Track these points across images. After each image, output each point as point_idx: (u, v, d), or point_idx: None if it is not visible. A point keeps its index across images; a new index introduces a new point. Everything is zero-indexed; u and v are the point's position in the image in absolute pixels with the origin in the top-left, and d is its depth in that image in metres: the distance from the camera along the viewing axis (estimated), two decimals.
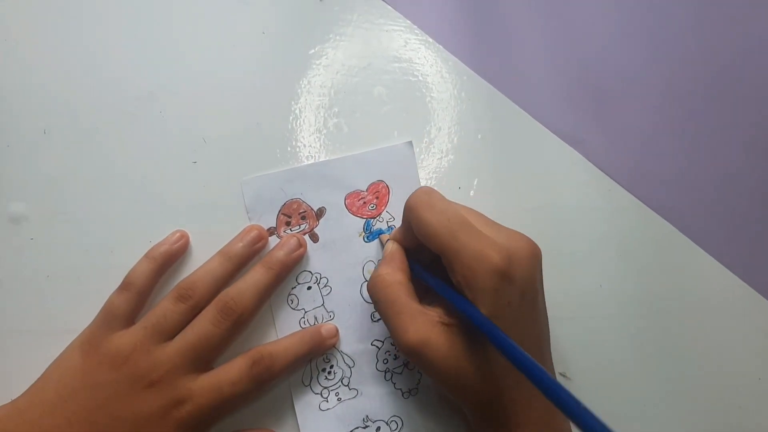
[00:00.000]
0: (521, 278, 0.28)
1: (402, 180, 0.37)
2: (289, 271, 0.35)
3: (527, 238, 0.29)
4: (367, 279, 0.36)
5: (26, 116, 0.36)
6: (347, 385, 0.35)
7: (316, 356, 0.35)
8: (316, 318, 0.35)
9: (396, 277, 0.31)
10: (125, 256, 0.35)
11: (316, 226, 0.36)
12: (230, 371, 0.32)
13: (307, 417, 0.35)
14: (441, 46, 0.38)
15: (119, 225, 0.35)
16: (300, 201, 0.36)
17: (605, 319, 0.37)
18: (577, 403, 0.22)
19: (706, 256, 0.37)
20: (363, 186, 0.36)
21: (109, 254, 0.35)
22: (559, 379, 0.36)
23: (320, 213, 0.36)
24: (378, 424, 0.35)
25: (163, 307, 0.33)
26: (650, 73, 0.38)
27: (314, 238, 0.36)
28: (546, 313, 0.31)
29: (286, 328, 0.35)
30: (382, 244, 0.36)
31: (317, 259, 0.36)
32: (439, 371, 0.28)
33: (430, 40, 0.38)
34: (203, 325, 0.32)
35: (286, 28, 0.37)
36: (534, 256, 0.29)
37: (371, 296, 0.31)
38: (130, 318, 0.33)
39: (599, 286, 0.37)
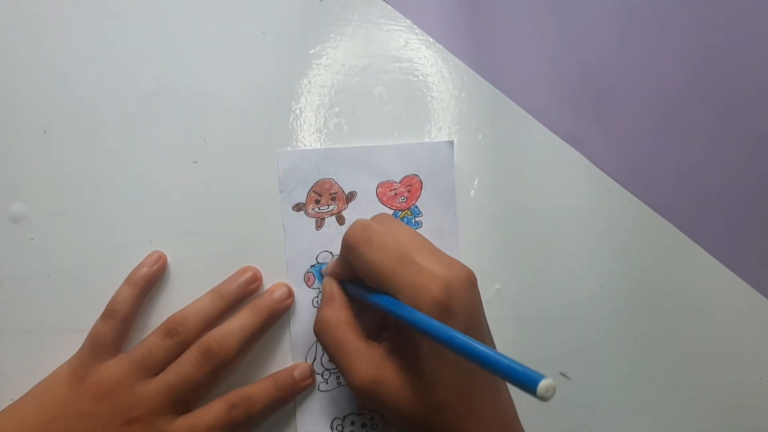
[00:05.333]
0: (462, 308, 0.27)
1: (437, 178, 0.37)
2: (276, 319, 0.35)
3: (463, 266, 0.29)
4: None
5: (26, 116, 0.36)
6: None
7: (292, 399, 0.35)
8: None
9: (340, 316, 0.30)
10: (125, 256, 0.35)
11: (345, 209, 0.36)
12: (207, 415, 0.32)
13: (306, 396, 0.35)
14: (441, 46, 0.38)
15: (119, 225, 0.35)
16: (333, 181, 0.36)
17: (605, 319, 0.37)
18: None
19: (706, 255, 0.38)
20: (397, 177, 0.36)
21: (109, 254, 0.35)
22: (560, 378, 0.36)
23: (350, 197, 0.36)
24: (372, 413, 0.35)
25: (150, 341, 0.33)
26: (650, 73, 0.38)
27: (341, 220, 0.36)
28: (492, 341, 0.30)
29: (299, 306, 0.36)
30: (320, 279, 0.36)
31: (340, 241, 0.36)
32: (394, 407, 0.28)
33: (431, 39, 0.38)
34: (184, 367, 0.32)
35: (286, 28, 0.37)
36: (471, 285, 0.29)
37: (318, 340, 0.31)
38: (116, 346, 0.33)
39: (599, 286, 0.37)
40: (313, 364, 0.35)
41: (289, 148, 0.36)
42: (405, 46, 0.38)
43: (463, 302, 0.28)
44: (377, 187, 0.36)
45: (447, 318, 0.27)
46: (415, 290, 0.27)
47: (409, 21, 0.38)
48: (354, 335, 0.30)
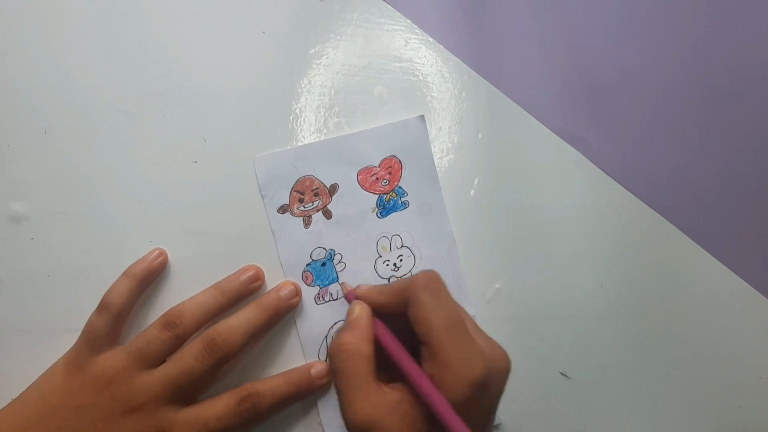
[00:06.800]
0: (494, 392, 0.28)
1: (415, 155, 0.36)
2: (281, 317, 0.35)
3: (505, 352, 0.29)
4: (381, 255, 0.36)
5: (26, 116, 0.36)
6: None
7: (305, 397, 0.35)
8: (330, 294, 0.36)
9: (360, 347, 0.29)
10: (125, 256, 0.35)
11: (330, 202, 0.36)
12: (217, 406, 0.32)
13: (326, 394, 0.35)
14: (441, 46, 0.38)
15: (119, 225, 0.35)
16: (312, 177, 0.36)
17: (605, 318, 0.37)
18: None
19: (706, 255, 0.37)
20: (375, 161, 0.36)
21: (109, 254, 0.35)
22: (560, 378, 0.36)
23: (333, 189, 0.36)
24: None
25: (149, 333, 0.33)
26: (650, 72, 0.38)
27: (327, 214, 0.36)
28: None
29: (301, 305, 0.36)
30: (345, 298, 0.34)
31: (331, 235, 0.36)
32: None
33: (431, 39, 0.38)
34: (187, 359, 0.32)
35: (286, 28, 0.37)
36: (508, 371, 0.29)
37: (331, 363, 0.29)
38: (111, 338, 0.33)
39: (599, 285, 0.37)
40: (327, 360, 0.35)
41: (286, 149, 0.36)
42: (405, 45, 0.38)
43: (496, 386, 0.28)
44: (357, 175, 0.36)
45: (481, 397, 0.27)
46: (462, 357, 0.27)
47: (409, 21, 0.38)
48: (367, 371, 0.28)
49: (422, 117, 0.37)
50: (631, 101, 0.38)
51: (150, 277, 0.35)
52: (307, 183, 0.36)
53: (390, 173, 0.36)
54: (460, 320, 0.28)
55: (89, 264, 0.35)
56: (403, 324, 0.30)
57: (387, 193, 0.36)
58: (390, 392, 0.28)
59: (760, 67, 0.38)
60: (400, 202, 0.36)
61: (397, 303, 0.30)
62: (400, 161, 0.36)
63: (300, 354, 0.36)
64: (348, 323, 0.31)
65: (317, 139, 0.36)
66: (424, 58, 0.38)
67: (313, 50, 0.37)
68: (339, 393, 0.28)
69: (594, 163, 0.38)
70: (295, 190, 0.36)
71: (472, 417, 0.27)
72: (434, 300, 0.28)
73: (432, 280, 0.29)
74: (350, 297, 0.33)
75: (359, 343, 0.29)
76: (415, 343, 0.29)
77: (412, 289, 0.29)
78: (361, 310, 0.31)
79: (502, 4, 0.38)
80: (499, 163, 0.37)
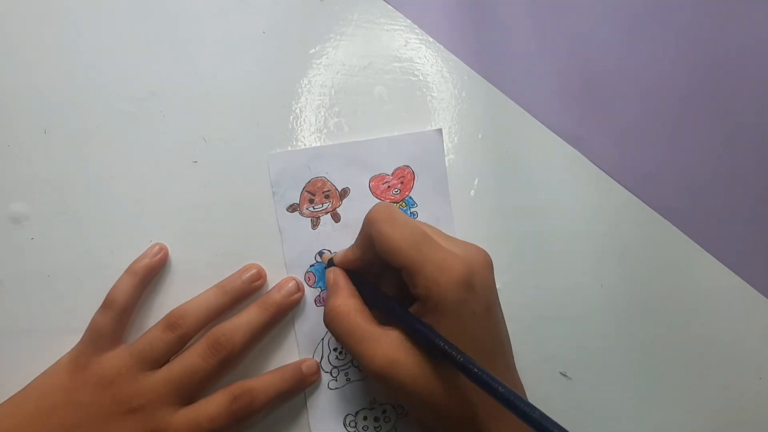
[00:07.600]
0: (483, 287, 0.28)
1: (428, 167, 0.37)
2: (284, 315, 0.35)
3: (481, 248, 0.29)
4: None
5: (26, 116, 0.36)
6: (357, 366, 0.36)
7: (298, 393, 0.35)
8: None
9: (350, 304, 0.30)
10: (125, 256, 0.35)
11: (339, 206, 0.36)
12: (210, 406, 0.32)
13: (316, 395, 0.35)
14: (442, 46, 0.38)
15: (119, 225, 0.35)
16: (325, 180, 0.36)
17: (605, 319, 0.37)
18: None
19: (706, 255, 0.37)
20: (389, 170, 0.36)
21: (109, 254, 0.35)
22: (560, 378, 0.36)
23: (344, 193, 0.36)
24: (384, 407, 0.36)
25: (152, 334, 0.33)
26: (650, 72, 0.38)
27: (336, 218, 0.36)
28: (505, 323, 0.31)
29: (302, 305, 0.36)
30: (326, 267, 0.35)
31: (337, 239, 0.36)
32: (411, 392, 0.27)
33: (431, 39, 0.38)
34: (191, 358, 0.32)
35: (286, 28, 0.37)
36: (490, 266, 0.29)
37: (330, 331, 0.30)
38: (116, 336, 0.33)
39: (599, 286, 0.37)
40: (320, 362, 0.35)
41: (289, 148, 0.36)
42: (405, 45, 0.38)
43: (482, 281, 0.28)
44: (370, 181, 0.36)
45: (471, 295, 0.27)
46: (438, 266, 0.27)
47: (409, 20, 0.38)
48: (366, 321, 0.29)
49: (440, 131, 0.37)
50: (631, 101, 0.38)
51: (152, 274, 0.35)
52: (319, 184, 0.36)
53: (402, 183, 0.36)
54: (423, 234, 0.29)
55: (89, 264, 0.35)
56: (386, 285, 0.32)
57: (397, 203, 0.36)
58: (392, 330, 0.29)
59: (760, 67, 0.38)
60: (409, 212, 0.36)
61: (367, 248, 0.31)
62: (413, 172, 0.36)
63: (296, 354, 0.36)
64: (328, 290, 0.32)
65: (317, 139, 0.36)
66: (424, 58, 0.38)
67: (313, 50, 0.37)
68: (352, 352, 0.29)
69: (594, 163, 0.38)
70: (307, 191, 0.36)
71: (472, 317, 0.27)
72: (391, 227, 0.29)
73: (382, 210, 0.30)
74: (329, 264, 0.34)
75: (345, 301, 0.30)
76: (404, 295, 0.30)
77: (369, 227, 0.30)
78: (335, 273, 0.32)
79: (502, 4, 0.38)
80: (499, 163, 0.37)
